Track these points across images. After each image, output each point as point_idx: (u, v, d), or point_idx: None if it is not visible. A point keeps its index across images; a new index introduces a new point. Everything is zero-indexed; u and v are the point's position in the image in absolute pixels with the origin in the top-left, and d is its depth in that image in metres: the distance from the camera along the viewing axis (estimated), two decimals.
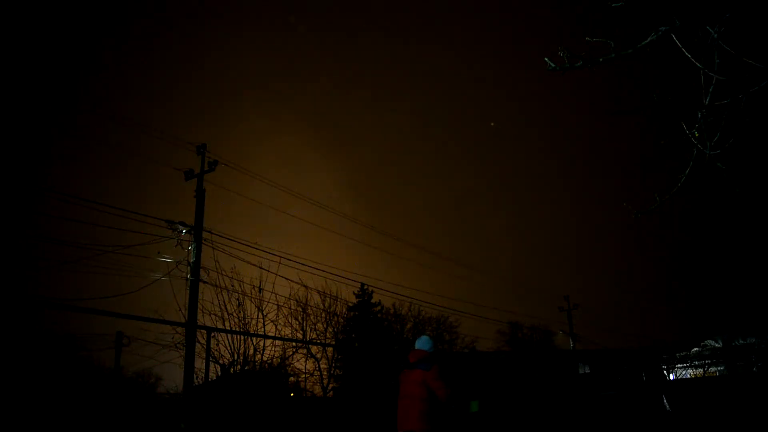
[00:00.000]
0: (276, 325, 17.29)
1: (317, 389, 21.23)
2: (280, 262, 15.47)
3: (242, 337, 15.58)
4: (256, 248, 14.75)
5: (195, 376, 13.50)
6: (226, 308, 15.41)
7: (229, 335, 15.34)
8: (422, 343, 5.77)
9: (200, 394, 14.23)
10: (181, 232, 13.35)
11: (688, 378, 36.95)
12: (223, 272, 15.22)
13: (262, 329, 16.18)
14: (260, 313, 16.19)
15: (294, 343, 19.12)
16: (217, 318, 15.27)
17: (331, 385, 21.80)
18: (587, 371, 34.18)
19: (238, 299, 15.63)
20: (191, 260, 13.35)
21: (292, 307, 19.39)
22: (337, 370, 23.05)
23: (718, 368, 37.68)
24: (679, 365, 37.52)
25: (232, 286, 15.41)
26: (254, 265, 15.35)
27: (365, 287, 27.04)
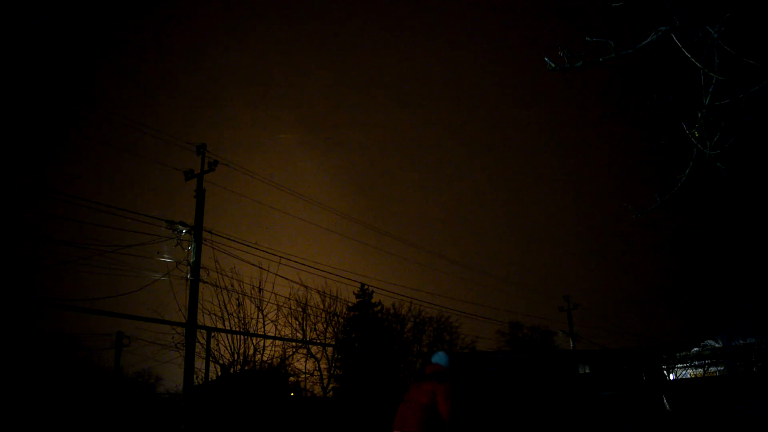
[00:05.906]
0: (276, 325, 17.35)
1: (317, 389, 21.24)
2: (279, 262, 15.49)
3: (242, 337, 15.61)
4: (256, 248, 14.75)
5: (195, 376, 13.49)
6: (226, 308, 15.46)
7: (229, 335, 15.38)
8: (439, 357, 6.01)
9: (200, 394, 14.23)
10: (181, 232, 13.34)
11: (688, 378, 36.93)
12: (223, 272, 15.27)
13: (262, 329, 16.22)
14: (260, 313, 16.22)
15: (294, 343, 19.14)
16: (217, 318, 15.32)
17: (331, 385, 21.79)
18: (587, 371, 34.12)
19: (237, 299, 15.68)
20: (191, 260, 13.34)
21: (292, 307, 19.41)
22: (337, 370, 23.04)
23: (718, 368, 37.64)
24: (679, 365, 37.47)
25: (232, 286, 15.45)
26: (254, 265, 15.38)
27: (365, 287, 27.01)
